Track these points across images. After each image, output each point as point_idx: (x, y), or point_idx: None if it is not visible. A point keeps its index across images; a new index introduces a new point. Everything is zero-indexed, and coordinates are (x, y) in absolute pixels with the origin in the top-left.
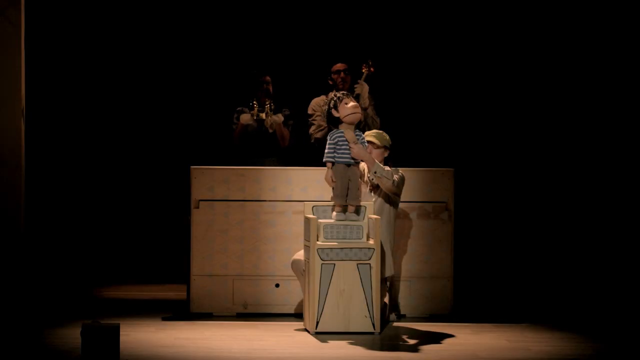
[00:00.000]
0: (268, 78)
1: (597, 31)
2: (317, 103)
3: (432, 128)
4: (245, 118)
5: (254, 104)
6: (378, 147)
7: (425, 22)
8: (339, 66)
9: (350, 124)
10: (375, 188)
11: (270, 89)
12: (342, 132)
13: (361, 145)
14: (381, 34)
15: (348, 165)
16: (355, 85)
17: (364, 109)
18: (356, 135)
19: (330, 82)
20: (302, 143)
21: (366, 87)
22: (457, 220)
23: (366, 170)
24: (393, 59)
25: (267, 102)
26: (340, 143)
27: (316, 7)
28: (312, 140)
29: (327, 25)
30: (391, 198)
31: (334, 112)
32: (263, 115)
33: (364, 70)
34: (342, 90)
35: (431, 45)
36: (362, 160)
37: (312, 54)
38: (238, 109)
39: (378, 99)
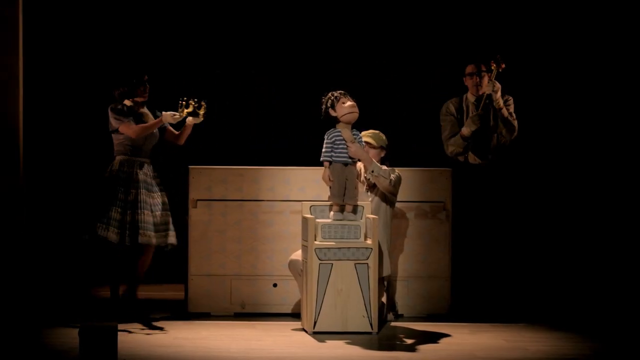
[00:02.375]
0: (146, 77)
1: (595, 31)
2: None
3: (429, 128)
4: (168, 117)
5: (186, 102)
6: (375, 147)
7: (423, 21)
8: (472, 68)
9: (348, 123)
10: (371, 188)
11: (147, 89)
12: (339, 132)
13: (358, 145)
14: (378, 34)
15: (345, 164)
16: (485, 85)
17: (499, 109)
18: (353, 134)
19: (467, 84)
20: (302, 143)
21: (498, 86)
22: (455, 219)
23: (363, 170)
24: (390, 58)
25: (194, 102)
26: (338, 142)
27: (317, 7)
28: (450, 153)
29: (325, 24)
30: (388, 198)
31: (331, 111)
32: (201, 117)
33: (492, 67)
34: (477, 94)
35: (428, 44)
36: (360, 160)
37: (311, 54)
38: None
39: (374, 98)
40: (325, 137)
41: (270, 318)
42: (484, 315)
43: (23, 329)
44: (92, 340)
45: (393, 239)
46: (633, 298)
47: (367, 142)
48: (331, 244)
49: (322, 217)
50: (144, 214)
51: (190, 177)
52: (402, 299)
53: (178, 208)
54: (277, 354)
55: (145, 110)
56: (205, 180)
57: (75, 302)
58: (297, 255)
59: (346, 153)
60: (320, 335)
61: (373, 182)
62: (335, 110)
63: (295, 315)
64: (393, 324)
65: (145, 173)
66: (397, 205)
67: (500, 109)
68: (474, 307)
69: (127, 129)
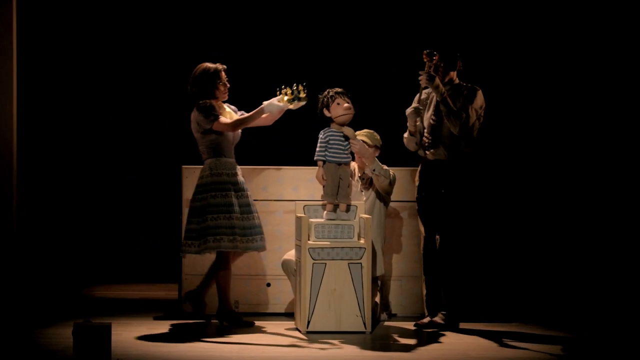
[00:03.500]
0: (225, 77)
1: (594, 28)
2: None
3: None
4: (273, 107)
5: (284, 90)
6: (369, 146)
7: (423, 20)
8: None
9: (341, 124)
10: (366, 188)
11: (227, 87)
12: (333, 131)
13: (362, 143)
14: (378, 32)
15: (339, 164)
16: (419, 78)
17: (441, 102)
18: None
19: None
20: (296, 142)
21: (434, 79)
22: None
23: (357, 170)
24: (390, 56)
25: (292, 88)
26: (332, 142)
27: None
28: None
29: (324, 22)
30: (383, 197)
31: (325, 111)
32: (305, 98)
33: (425, 61)
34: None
35: (428, 44)
36: (363, 157)
37: (310, 52)
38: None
39: (374, 96)
40: (319, 136)
41: (263, 318)
42: (478, 315)
43: (17, 328)
44: (86, 340)
45: (387, 238)
46: (625, 297)
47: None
48: (325, 243)
49: (316, 217)
50: (253, 218)
51: (183, 177)
52: (396, 298)
53: (171, 208)
54: (270, 354)
55: (225, 109)
56: None
57: (69, 301)
58: (291, 255)
59: (339, 153)
60: (313, 334)
61: (372, 180)
62: (329, 111)
63: (288, 314)
64: (386, 323)
65: (241, 174)
66: (391, 204)
67: (444, 99)
68: (468, 307)
69: (222, 125)
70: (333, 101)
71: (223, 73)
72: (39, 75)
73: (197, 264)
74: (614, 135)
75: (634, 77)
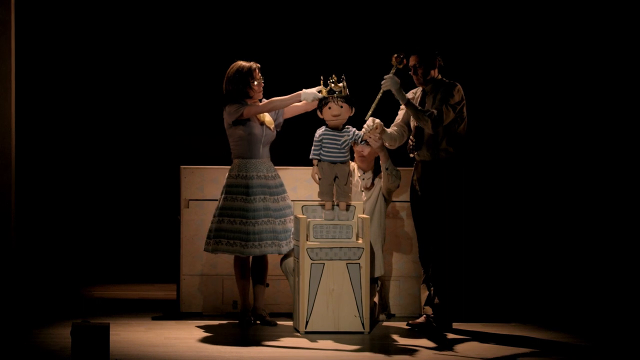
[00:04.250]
0: (259, 75)
1: (593, 26)
2: None
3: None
4: (310, 97)
5: (325, 80)
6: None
7: (424, 21)
8: (411, 60)
9: (334, 128)
10: (367, 188)
11: (262, 85)
12: (328, 130)
13: (381, 141)
14: (379, 34)
15: (333, 162)
16: (382, 82)
17: (405, 104)
18: (346, 130)
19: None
20: (294, 142)
21: (398, 84)
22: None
23: (357, 169)
24: (377, 56)
25: (334, 79)
26: (326, 141)
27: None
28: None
29: (324, 23)
30: (385, 198)
31: (318, 113)
32: (344, 90)
33: (393, 63)
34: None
35: (430, 45)
36: (378, 153)
37: (309, 53)
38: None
39: (367, 98)
40: (315, 135)
41: None
42: (476, 315)
43: (15, 328)
44: (85, 340)
45: (385, 238)
46: (623, 296)
47: (364, 141)
48: (323, 243)
49: (314, 217)
50: (252, 224)
51: (182, 177)
52: (395, 298)
53: (170, 208)
54: (268, 354)
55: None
56: (197, 180)
57: (67, 301)
58: (289, 254)
59: (334, 152)
60: (312, 335)
61: (373, 181)
62: (322, 113)
63: (287, 315)
64: (385, 323)
65: (266, 176)
66: (391, 204)
67: (408, 102)
68: (466, 307)
69: (254, 109)
70: (325, 105)
71: (257, 71)
72: (37, 74)
73: (195, 264)
74: (612, 134)
75: (631, 73)
